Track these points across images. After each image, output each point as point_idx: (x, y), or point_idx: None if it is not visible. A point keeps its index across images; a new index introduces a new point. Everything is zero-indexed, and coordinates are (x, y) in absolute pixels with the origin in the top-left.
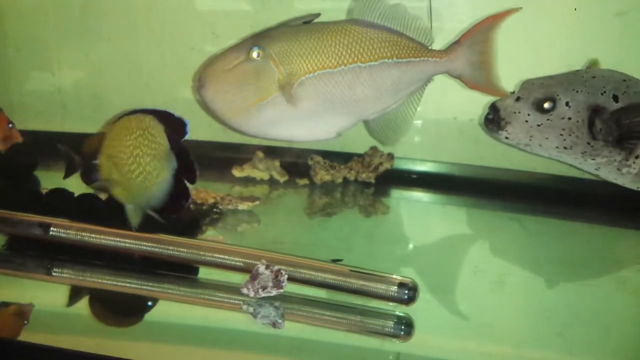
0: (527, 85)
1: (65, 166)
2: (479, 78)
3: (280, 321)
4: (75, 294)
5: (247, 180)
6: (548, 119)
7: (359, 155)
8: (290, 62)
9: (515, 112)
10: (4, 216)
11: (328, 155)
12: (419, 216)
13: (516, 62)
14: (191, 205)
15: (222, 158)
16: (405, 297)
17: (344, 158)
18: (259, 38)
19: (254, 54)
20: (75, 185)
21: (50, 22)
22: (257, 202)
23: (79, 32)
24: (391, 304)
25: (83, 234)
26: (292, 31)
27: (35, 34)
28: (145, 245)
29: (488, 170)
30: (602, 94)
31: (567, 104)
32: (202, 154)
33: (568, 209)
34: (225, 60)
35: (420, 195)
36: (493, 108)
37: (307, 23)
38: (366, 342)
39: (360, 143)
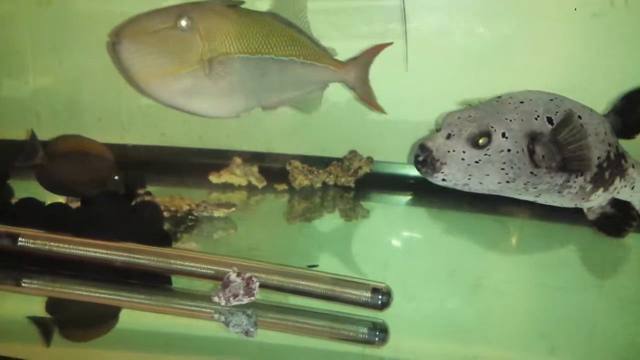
0: (453, 120)
1: (24, 153)
2: (366, 93)
3: (252, 329)
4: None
5: (225, 187)
6: (486, 154)
7: (338, 160)
8: (215, 39)
9: (449, 151)
10: None
11: (307, 159)
12: (400, 219)
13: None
14: (165, 214)
15: (199, 164)
16: (379, 302)
17: (323, 162)
18: (190, 9)
19: (183, 23)
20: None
21: (24, 30)
22: (234, 209)
23: (53, 40)
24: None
25: (52, 243)
26: (222, 10)
27: (9, 43)
28: (115, 255)
29: None
30: (536, 119)
31: (503, 135)
32: (179, 161)
33: (549, 211)
34: (150, 22)
35: (400, 199)
36: (423, 148)
37: (231, 6)
38: (340, 347)
39: (339, 147)
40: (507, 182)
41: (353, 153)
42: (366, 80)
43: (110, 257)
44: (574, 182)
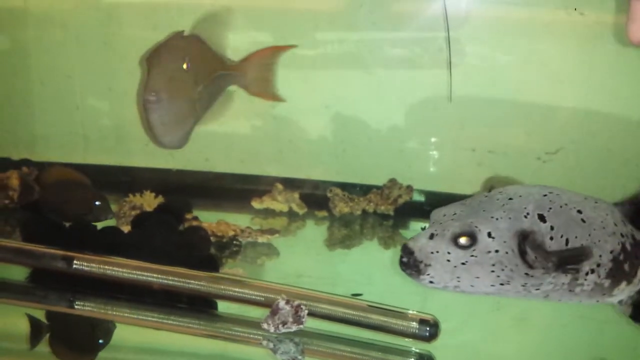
0: (438, 217)
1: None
2: (260, 89)
3: (300, 357)
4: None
5: (267, 212)
6: (472, 255)
7: (378, 188)
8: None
9: (432, 252)
10: (27, 249)
11: (347, 187)
12: None
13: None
14: (211, 238)
15: (241, 190)
16: (427, 334)
17: (362, 190)
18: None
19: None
20: None
21: (73, 56)
22: (277, 235)
23: (102, 65)
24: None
25: (105, 267)
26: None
27: (59, 68)
28: (166, 279)
29: None
30: (525, 217)
31: (489, 235)
32: (221, 186)
33: None
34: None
35: None
36: (406, 250)
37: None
38: None
39: (379, 175)
40: (502, 284)
41: (393, 181)
42: (263, 78)
43: (160, 280)
44: (585, 279)
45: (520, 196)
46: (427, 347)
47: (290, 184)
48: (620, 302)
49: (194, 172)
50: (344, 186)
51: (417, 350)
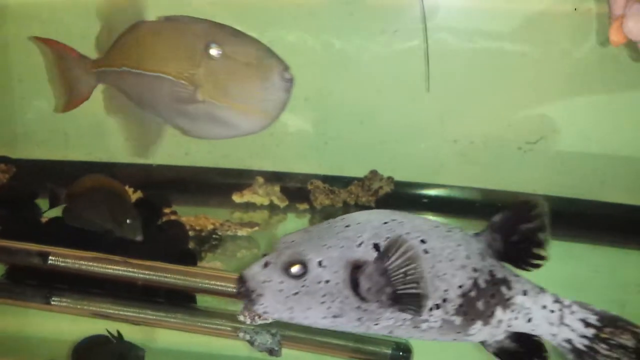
0: (279, 244)
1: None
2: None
3: (276, 348)
4: None
5: (248, 206)
6: (303, 286)
7: (359, 179)
8: None
9: (265, 281)
10: (3, 245)
11: (328, 179)
12: None
13: None
14: (190, 233)
15: (222, 184)
16: None
17: (343, 182)
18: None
19: None
20: None
21: None
22: (257, 228)
23: None
24: None
25: (81, 262)
26: None
27: (38, 65)
28: (142, 274)
29: (489, 193)
30: (359, 246)
31: (320, 264)
32: (202, 180)
33: (569, 230)
34: None
35: None
36: (239, 279)
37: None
38: None
39: (359, 167)
40: (335, 316)
41: (374, 173)
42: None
43: (137, 275)
44: (430, 314)
45: (358, 224)
46: None
47: (272, 177)
48: (483, 343)
49: (175, 167)
50: (326, 179)
51: (396, 340)
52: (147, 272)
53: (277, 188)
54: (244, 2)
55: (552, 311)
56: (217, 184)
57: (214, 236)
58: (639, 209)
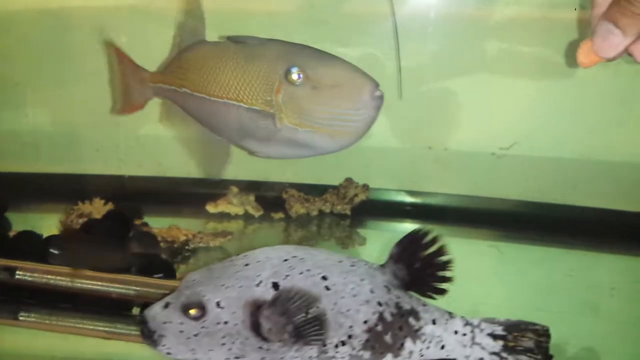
0: (182, 283)
1: None
2: None
3: None
4: None
5: (222, 216)
6: (203, 327)
7: (334, 187)
8: None
9: (166, 322)
10: None
11: (303, 188)
12: None
13: None
14: (162, 244)
15: (196, 194)
16: None
17: (319, 190)
18: None
19: None
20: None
21: (21, 62)
22: (230, 237)
23: (51, 72)
24: None
25: (49, 276)
26: None
27: (7, 75)
28: (113, 287)
29: (463, 200)
30: (257, 285)
31: (218, 304)
32: (176, 191)
33: (543, 235)
34: None
35: (397, 226)
36: (141, 319)
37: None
38: None
39: (335, 175)
40: (237, 357)
41: (349, 181)
42: None
43: (107, 289)
44: (336, 351)
45: (258, 262)
46: None
47: (247, 186)
48: None
49: (148, 178)
50: (301, 187)
51: None
52: (117, 285)
53: (252, 197)
54: (213, 10)
55: (464, 334)
56: (191, 194)
57: (186, 247)
58: (611, 213)
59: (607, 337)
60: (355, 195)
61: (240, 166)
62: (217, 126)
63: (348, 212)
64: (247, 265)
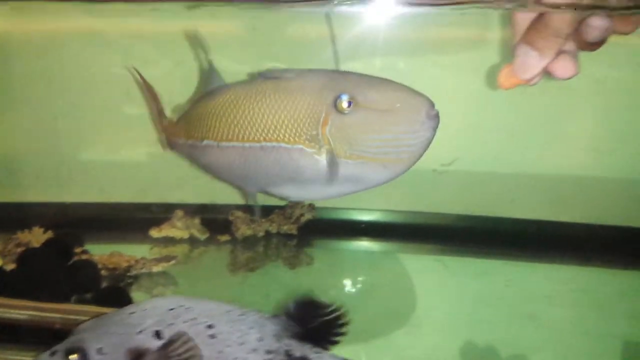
0: (73, 331)
1: None
2: None
3: None
4: None
5: (167, 241)
6: None
7: (280, 208)
8: None
9: None
10: None
11: (249, 209)
12: (343, 265)
13: None
14: (103, 272)
15: (140, 219)
16: None
17: (265, 212)
18: None
19: None
20: None
21: None
22: (173, 262)
23: None
24: None
25: None
26: None
27: None
28: (52, 317)
29: (408, 215)
30: (139, 333)
31: (99, 351)
32: (119, 216)
33: (482, 247)
34: None
35: (343, 244)
36: None
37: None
38: None
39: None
40: None
41: (295, 201)
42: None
43: (47, 319)
44: None
45: (144, 310)
46: None
47: (192, 210)
48: None
49: (90, 204)
50: (247, 209)
51: None
52: (56, 315)
53: (197, 220)
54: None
55: None
56: (135, 220)
57: (128, 274)
58: (547, 224)
59: (544, 344)
60: (302, 214)
61: (185, 190)
62: (246, 176)
63: (295, 232)
64: (132, 313)
